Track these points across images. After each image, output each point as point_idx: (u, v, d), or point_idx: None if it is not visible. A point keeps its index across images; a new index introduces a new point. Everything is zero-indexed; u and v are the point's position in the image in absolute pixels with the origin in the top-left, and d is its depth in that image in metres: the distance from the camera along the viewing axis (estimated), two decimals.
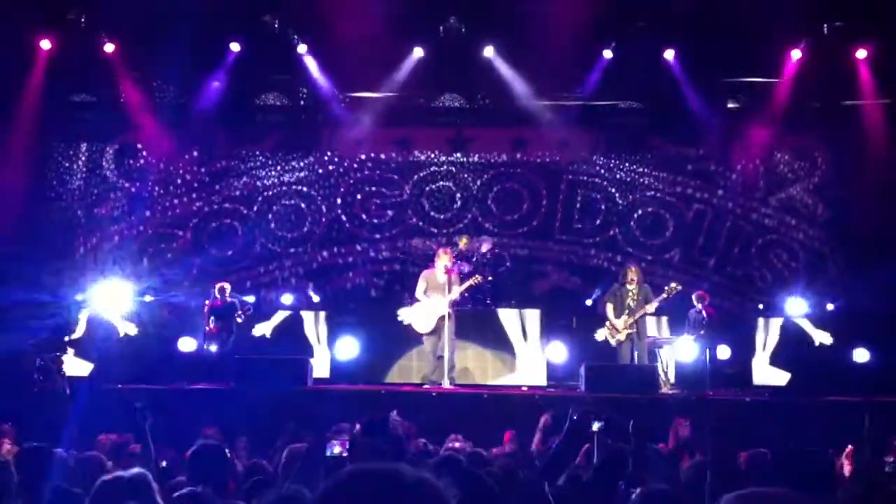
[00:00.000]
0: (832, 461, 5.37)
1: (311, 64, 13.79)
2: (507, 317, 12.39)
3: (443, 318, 11.09)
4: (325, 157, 15.02)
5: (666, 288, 11.45)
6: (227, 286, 12.61)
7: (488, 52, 13.57)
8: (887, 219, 13.18)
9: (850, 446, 6.86)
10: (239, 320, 12.48)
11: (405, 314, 11.52)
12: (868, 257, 13.23)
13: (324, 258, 14.87)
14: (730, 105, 14.14)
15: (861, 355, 12.47)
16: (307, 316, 12.89)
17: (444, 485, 1.80)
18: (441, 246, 12.23)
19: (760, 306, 13.96)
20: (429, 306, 11.22)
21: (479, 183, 14.95)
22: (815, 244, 14.52)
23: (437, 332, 11.21)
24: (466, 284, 11.33)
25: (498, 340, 12.26)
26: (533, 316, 12.40)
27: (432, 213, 14.92)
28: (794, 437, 6.75)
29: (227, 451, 6.07)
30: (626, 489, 4.41)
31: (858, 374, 12.17)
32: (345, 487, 1.78)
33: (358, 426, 6.42)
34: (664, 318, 12.67)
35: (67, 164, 14.84)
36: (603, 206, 14.81)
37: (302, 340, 12.61)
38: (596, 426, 5.79)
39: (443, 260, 11.24)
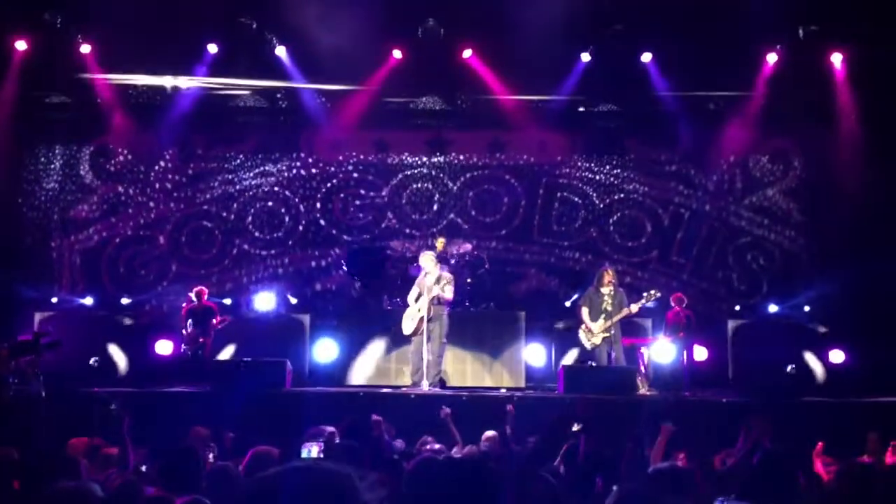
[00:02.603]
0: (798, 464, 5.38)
1: (289, 65, 13.73)
2: (486, 319, 12.36)
3: (423, 319, 11.03)
4: (306, 160, 14.97)
5: (645, 294, 11.44)
6: (205, 290, 12.58)
7: (467, 54, 13.58)
8: (862, 221, 13.29)
9: (819, 443, 6.93)
10: (219, 327, 12.43)
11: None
12: (843, 259, 13.33)
13: (302, 260, 14.81)
14: (706, 108, 14.21)
15: (836, 356, 12.57)
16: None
17: (364, 479, 1.81)
18: (421, 249, 12.18)
19: (737, 308, 14.05)
20: (414, 310, 11.19)
21: (457, 185, 14.95)
22: (790, 246, 14.61)
23: (421, 334, 11.17)
24: (432, 296, 11.10)
25: (477, 342, 12.26)
26: (512, 318, 12.40)
27: (411, 215, 14.90)
28: (771, 439, 6.78)
29: (211, 453, 6.02)
30: (604, 486, 4.42)
31: (833, 375, 12.29)
32: (268, 485, 1.79)
33: (333, 429, 6.39)
34: (647, 321, 12.69)
35: (43, 166, 14.70)
36: (581, 208, 14.85)
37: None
38: (575, 427, 5.81)
39: (428, 262, 11.20)
